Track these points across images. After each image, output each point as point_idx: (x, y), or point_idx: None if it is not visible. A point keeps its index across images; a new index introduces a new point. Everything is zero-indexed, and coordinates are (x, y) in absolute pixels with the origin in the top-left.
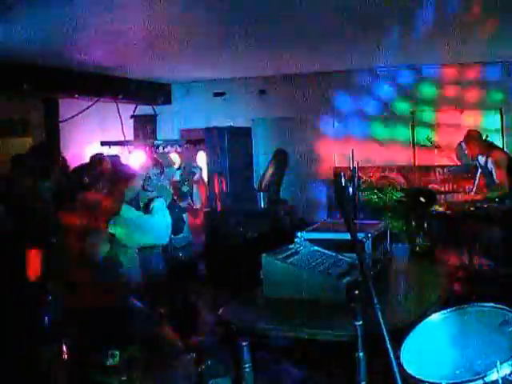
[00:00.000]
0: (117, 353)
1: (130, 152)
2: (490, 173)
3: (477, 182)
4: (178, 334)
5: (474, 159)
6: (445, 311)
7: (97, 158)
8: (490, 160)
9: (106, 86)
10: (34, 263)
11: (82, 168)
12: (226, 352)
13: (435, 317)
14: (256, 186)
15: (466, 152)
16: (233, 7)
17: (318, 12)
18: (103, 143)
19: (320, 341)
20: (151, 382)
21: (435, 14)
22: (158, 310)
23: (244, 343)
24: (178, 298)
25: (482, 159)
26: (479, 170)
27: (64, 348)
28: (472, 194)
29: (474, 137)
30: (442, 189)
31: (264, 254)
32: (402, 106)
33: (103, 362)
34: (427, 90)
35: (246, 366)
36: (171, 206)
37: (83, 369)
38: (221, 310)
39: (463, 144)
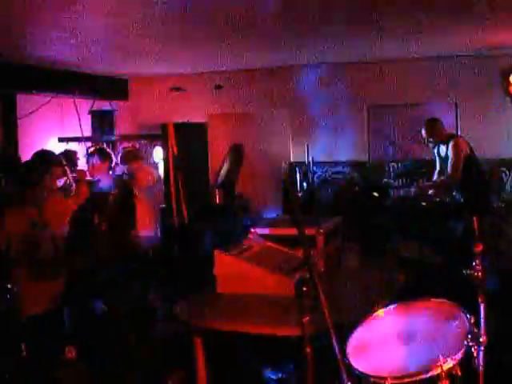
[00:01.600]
0: (74, 348)
1: (87, 148)
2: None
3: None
4: (135, 329)
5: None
6: (392, 306)
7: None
8: (450, 146)
9: (63, 81)
10: None
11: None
12: (183, 347)
13: (382, 311)
14: (212, 181)
15: (428, 139)
16: (191, 3)
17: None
18: (61, 139)
19: (272, 336)
20: (109, 377)
21: None
22: (114, 305)
23: (198, 340)
24: (132, 293)
25: (442, 148)
26: (438, 161)
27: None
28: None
29: (437, 123)
30: (396, 184)
31: (217, 250)
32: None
33: (61, 358)
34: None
35: (200, 362)
36: None
37: (42, 365)
38: (175, 307)
39: (424, 131)
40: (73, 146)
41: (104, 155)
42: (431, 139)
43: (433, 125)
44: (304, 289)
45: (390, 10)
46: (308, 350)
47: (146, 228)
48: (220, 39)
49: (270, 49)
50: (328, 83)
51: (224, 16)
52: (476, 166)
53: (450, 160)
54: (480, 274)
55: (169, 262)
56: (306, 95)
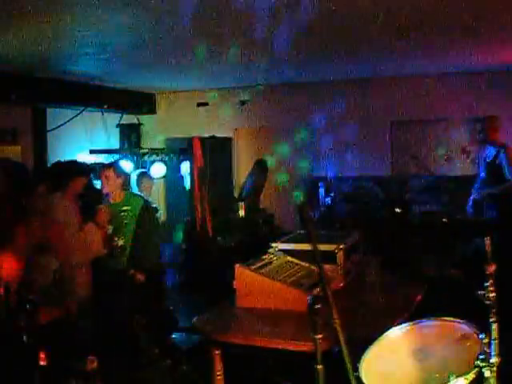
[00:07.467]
0: (95, 359)
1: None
2: (497, 168)
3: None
4: (154, 340)
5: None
6: (405, 324)
7: None
8: (507, 154)
9: (92, 95)
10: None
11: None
12: (200, 359)
13: (395, 330)
14: (236, 194)
15: (482, 136)
16: (217, 20)
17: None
18: (92, 151)
19: (290, 351)
20: None
21: None
22: (135, 316)
23: (216, 352)
24: (153, 304)
25: (491, 151)
26: (483, 166)
27: (41, 354)
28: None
29: (498, 121)
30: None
31: (238, 264)
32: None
33: (82, 368)
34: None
35: (218, 373)
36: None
37: (62, 375)
38: (195, 319)
39: (479, 125)
40: (103, 158)
41: (119, 169)
42: (483, 135)
43: (494, 120)
44: (317, 306)
45: (418, 29)
46: (320, 367)
47: None
48: (245, 55)
49: (294, 65)
50: (352, 98)
51: (249, 33)
52: None
53: (508, 167)
54: (493, 294)
55: (190, 272)
56: (330, 110)
